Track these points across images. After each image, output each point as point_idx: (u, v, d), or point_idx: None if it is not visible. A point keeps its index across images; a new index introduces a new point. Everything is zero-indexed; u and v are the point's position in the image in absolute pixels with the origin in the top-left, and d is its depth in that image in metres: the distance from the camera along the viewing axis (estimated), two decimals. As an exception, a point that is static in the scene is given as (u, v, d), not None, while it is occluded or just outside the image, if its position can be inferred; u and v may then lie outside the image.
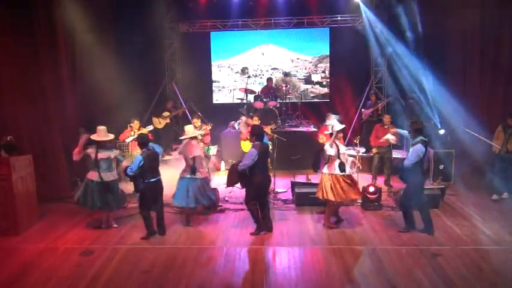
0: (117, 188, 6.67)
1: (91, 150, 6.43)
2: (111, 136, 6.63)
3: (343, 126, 6.60)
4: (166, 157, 10.32)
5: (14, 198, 6.30)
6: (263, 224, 6.33)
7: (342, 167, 6.26)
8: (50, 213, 7.25)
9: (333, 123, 6.59)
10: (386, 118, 8.37)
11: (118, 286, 4.92)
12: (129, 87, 10.11)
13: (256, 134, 6.28)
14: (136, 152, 7.43)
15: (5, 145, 6.62)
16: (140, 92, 10.77)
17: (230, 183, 6.38)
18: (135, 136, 7.92)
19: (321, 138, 8.64)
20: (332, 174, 6.33)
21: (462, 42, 9.82)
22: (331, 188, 6.26)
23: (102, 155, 6.40)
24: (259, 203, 6.30)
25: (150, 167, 6.12)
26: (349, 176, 6.41)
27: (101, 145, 6.45)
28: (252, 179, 6.13)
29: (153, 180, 6.21)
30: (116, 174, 6.64)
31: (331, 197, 6.25)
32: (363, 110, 10.94)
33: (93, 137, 6.42)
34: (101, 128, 6.48)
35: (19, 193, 6.40)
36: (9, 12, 7.32)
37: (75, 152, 6.36)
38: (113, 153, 6.55)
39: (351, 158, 6.58)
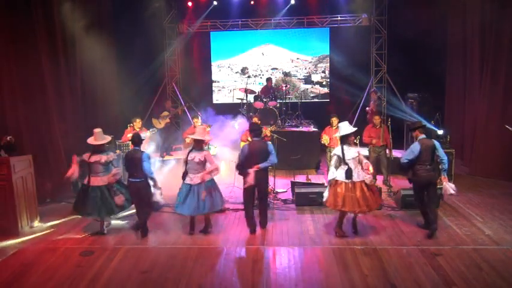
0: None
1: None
2: (108, 138, 6.39)
3: (354, 129, 5.95)
4: (167, 157, 10.31)
5: (14, 198, 6.30)
6: None
7: (347, 173, 5.77)
8: (50, 213, 7.24)
9: (342, 126, 6.00)
10: (376, 119, 8.39)
11: (118, 286, 4.92)
12: (129, 87, 10.12)
13: (256, 130, 6.47)
14: None
15: (5, 145, 6.62)
16: (140, 92, 10.78)
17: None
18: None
19: (325, 139, 8.58)
20: (337, 180, 5.90)
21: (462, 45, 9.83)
22: (331, 195, 5.93)
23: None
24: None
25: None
26: (357, 184, 5.82)
27: (96, 148, 6.21)
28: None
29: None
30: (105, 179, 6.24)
31: (328, 204, 6.01)
32: (367, 108, 10.93)
33: (90, 140, 6.21)
34: (97, 131, 6.25)
35: (19, 193, 6.40)
36: (9, 12, 7.33)
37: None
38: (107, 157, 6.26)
39: (365, 161, 5.88)
